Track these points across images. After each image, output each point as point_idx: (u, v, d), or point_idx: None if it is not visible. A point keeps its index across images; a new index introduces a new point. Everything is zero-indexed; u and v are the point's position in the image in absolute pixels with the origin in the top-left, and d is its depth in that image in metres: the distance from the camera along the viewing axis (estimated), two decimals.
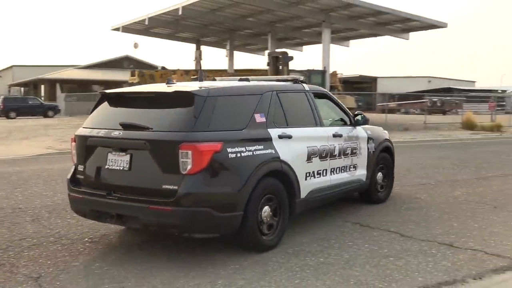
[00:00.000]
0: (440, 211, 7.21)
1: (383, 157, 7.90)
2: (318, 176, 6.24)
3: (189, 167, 4.68)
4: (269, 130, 5.51)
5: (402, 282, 4.45)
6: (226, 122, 5.14)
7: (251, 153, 5.14)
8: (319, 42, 29.01)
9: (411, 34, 31.44)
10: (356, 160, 7.09)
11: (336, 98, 7.38)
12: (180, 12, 26.48)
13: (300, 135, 5.96)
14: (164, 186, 4.76)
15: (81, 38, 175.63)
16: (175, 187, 4.69)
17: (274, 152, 5.42)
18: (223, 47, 37.81)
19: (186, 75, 31.25)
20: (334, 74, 33.05)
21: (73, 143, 5.66)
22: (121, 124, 5.10)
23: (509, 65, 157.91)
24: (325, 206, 7.01)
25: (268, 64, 24.23)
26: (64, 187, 6.54)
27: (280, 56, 23.61)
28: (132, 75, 34.38)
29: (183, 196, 4.67)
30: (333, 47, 32.10)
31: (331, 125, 6.94)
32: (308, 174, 6.01)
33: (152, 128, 4.94)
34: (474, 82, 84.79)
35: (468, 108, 43.37)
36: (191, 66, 37.15)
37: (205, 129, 4.85)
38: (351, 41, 36.16)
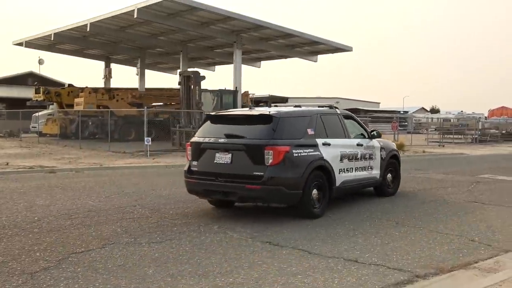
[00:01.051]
0: (345, 228, 7.43)
1: (391, 162, 10.78)
2: (347, 172, 9.04)
3: (270, 161, 7.55)
4: (316, 139, 8.39)
5: None
6: (291, 133, 8.08)
7: (306, 153, 8.02)
8: (231, 62, 29.24)
9: (319, 56, 32.55)
10: (372, 163, 9.95)
11: (358, 119, 10.27)
12: (88, 29, 25.66)
13: (335, 143, 8.81)
14: (254, 173, 7.61)
15: None
16: (262, 173, 7.54)
17: (320, 154, 8.27)
18: (134, 65, 37.07)
19: (94, 93, 30.33)
20: (245, 94, 33.40)
21: (189, 147, 8.60)
22: (225, 135, 8.05)
23: (411, 88, 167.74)
24: (233, 225, 7.01)
25: (180, 84, 24.01)
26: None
27: (192, 76, 23.47)
28: (37, 92, 32.82)
29: (267, 179, 7.50)
30: (245, 68, 32.53)
31: (355, 137, 9.72)
32: (340, 170, 8.79)
33: (246, 137, 7.96)
34: (378, 103, 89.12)
35: (373, 128, 45.39)
36: (100, 83, 36.09)
37: (280, 138, 7.80)
38: (262, 62, 36.81)
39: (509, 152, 28.84)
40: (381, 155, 10.26)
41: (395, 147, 11.27)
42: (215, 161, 8.02)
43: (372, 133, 10.27)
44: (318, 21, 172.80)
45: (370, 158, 9.87)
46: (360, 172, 9.53)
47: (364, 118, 49.13)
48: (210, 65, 39.05)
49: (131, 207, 8.89)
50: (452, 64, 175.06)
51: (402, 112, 70.57)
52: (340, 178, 8.72)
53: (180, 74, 24.97)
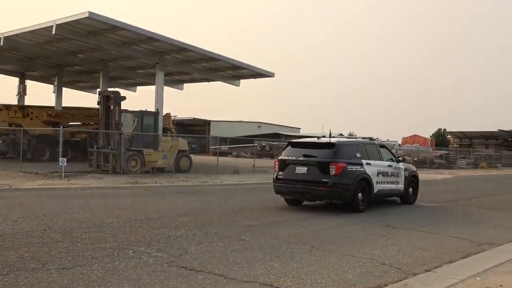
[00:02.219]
0: (263, 252, 7.45)
1: (412, 180, 15.19)
2: (381, 184, 13.30)
3: (333, 172, 11.76)
4: (362, 160, 12.68)
5: None
6: (346, 155, 12.29)
7: (355, 169, 12.30)
8: (153, 84, 28.87)
9: (243, 81, 32.91)
10: (398, 179, 14.31)
11: (389, 148, 14.79)
12: (1, 43, 24.49)
13: (374, 163, 13.06)
14: (322, 180, 11.83)
15: None
16: (327, 180, 11.76)
17: (364, 170, 12.56)
18: (51, 82, 35.66)
19: (6, 110, 28.86)
20: (167, 116, 33.11)
21: (277, 163, 13.02)
22: (303, 155, 12.50)
23: (329, 114, 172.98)
24: (149, 250, 6.84)
25: (99, 103, 23.35)
26: None
27: (112, 96, 22.89)
28: None
29: (331, 184, 11.73)
30: (167, 89, 32.27)
31: (387, 160, 14.03)
32: (377, 182, 13.02)
33: (317, 156, 12.23)
34: (299, 128, 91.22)
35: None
36: (14, 100, 34.40)
37: (339, 158, 12.01)
38: (185, 84, 36.67)
39: (420, 178, 30.27)
40: (404, 174, 14.66)
41: (415, 169, 16.01)
42: (295, 172, 12.50)
43: (398, 158, 15.07)
44: (244, 47, 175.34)
45: (397, 175, 14.26)
46: (389, 185, 13.92)
47: (285, 142, 50.12)
48: (132, 85, 38.41)
49: (40, 231, 8.45)
50: (369, 92, 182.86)
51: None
52: (376, 187, 13.03)
53: (99, 94, 24.30)
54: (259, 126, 75.91)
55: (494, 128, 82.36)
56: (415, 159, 46.28)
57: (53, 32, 21.54)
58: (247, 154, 49.80)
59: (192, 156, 28.08)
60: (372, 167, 12.89)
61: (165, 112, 29.28)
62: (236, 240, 8.30)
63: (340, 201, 12.40)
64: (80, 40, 23.65)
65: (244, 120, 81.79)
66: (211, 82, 34.32)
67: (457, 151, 60.22)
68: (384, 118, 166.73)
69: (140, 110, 24.35)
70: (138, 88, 39.22)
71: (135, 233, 8.64)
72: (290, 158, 12.74)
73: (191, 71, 30.22)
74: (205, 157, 40.42)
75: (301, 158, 12.49)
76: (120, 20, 21.83)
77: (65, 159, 19.34)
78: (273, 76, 30.86)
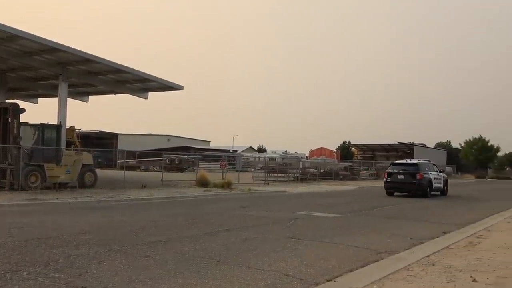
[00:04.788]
0: (168, 268, 7.31)
1: (445, 181, 29.85)
2: (435, 184, 27.83)
3: (418, 177, 26.39)
4: (428, 171, 27.62)
5: None
6: (422, 169, 27.06)
7: (427, 175, 27.21)
8: (56, 95, 27.69)
9: (151, 93, 32.41)
10: (440, 181, 28.78)
11: (436, 165, 31.47)
12: None
13: (431, 173, 27.89)
14: (413, 181, 26.43)
15: None
16: (415, 182, 26.42)
17: (429, 176, 27.35)
18: None
19: None
20: (71, 129, 31.87)
21: (386, 174, 28.04)
22: (401, 169, 27.56)
23: (240, 128, 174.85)
24: (46, 270, 6.49)
25: None
26: None
27: (10, 108, 21.68)
28: None
29: (418, 184, 26.47)
30: (71, 101, 31.10)
31: (436, 171, 28.78)
32: (433, 182, 27.69)
33: (408, 170, 27.11)
34: (209, 142, 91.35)
35: (203, 166, 46.24)
36: None
37: (420, 170, 26.86)
38: (91, 97, 35.52)
39: (325, 190, 31.39)
40: (442, 178, 29.16)
41: (446, 176, 31.12)
42: (398, 177, 26.89)
43: (441, 170, 30.49)
44: (156, 59, 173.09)
45: (439, 179, 28.53)
46: (437, 184, 28.07)
47: (194, 156, 49.85)
48: (33, 97, 36.63)
49: None
50: (279, 105, 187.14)
51: (231, 151, 72.99)
52: (433, 184, 27.39)
53: None
54: (168, 139, 75.17)
55: (394, 141, 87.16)
56: (321, 171, 47.73)
57: None
58: (156, 167, 48.95)
59: (98, 170, 27.17)
60: (431, 175, 27.43)
61: (69, 124, 28.15)
62: (140, 257, 8.09)
63: (420, 192, 26.36)
64: None
65: (153, 133, 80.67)
66: (119, 95, 33.53)
67: (361, 163, 62.96)
68: (294, 131, 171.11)
69: (41, 123, 23.24)
70: (41, 100, 37.46)
71: (32, 253, 8.16)
72: (395, 170, 27.58)
73: (97, 83, 29.38)
74: (112, 171, 39.27)
75: (401, 170, 27.29)
76: (22, 29, 20.80)
77: None
78: (182, 89, 30.74)
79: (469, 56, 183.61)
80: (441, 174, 29.31)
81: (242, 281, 6.69)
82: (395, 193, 27.37)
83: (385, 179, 27.51)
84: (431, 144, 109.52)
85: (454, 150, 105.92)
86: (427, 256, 8.51)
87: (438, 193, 28.56)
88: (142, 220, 12.97)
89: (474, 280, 6.61)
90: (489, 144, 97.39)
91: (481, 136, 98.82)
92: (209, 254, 8.52)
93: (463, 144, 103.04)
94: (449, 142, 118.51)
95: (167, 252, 8.54)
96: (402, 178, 26.59)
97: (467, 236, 11.12)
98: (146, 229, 11.31)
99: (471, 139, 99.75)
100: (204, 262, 7.81)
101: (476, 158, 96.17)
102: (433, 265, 7.74)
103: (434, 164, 29.32)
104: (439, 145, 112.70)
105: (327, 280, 6.76)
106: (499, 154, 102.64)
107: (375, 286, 6.34)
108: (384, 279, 6.75)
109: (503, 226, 13.21)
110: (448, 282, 6.52)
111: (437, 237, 11.23)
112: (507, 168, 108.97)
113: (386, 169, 29.34)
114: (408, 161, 29.38)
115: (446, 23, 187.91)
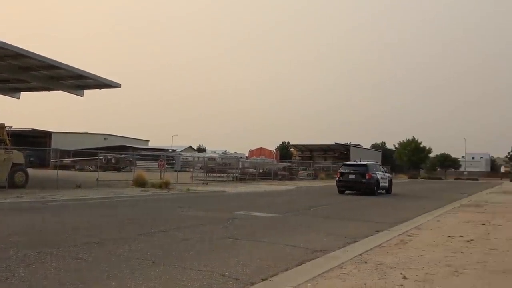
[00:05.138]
0: (100, 270, 7.12)
1: (390, 181, 32.86)
2: (381, 183, 30.35)
3: (367, 177, 28.73)
4: (376, 171, 30.41)
5: None
6: (371, 169, 29.61)
7: (375, 175, 29.83)
8: None
9: (87, 91, 31.48)
10: (385, 181, 31.40)
11: (382, 165, 38.46)
12: None
13: (379, 173, 30.92)
14: (363, 181, 28.74)
15: None
16: (365, 181, 28.70)
17: (377, 176, 30.11)
18: None
19: None
20: (1, 126, 30.49)
21: (339, 173, 30.63)
22: (352, 169, 30.01)
23: (179, 127, 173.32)
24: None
25: None
26: None
27: None
28: None
29: (367, 183, 28.69)
30: (1, 98, 29.78)
31: (382, 172, 31.83)
32: (380, 182, 30.14)
33: (358, 170, 29.52)
34: (148, 141, 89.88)
35: (141, 166, 45.47)
36: None
37: (369, 171, 29.33)
38: (23, 93, 34.08)
39: (264, 190, 31.60)
40: (388, 178, 32.22)
41: (391, 176, 35.44)
42: (349, 177, 29.22)
43: (386, 171, 33.79)
44: (95, 56, 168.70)
45: (385, 179, 31.22)
46: (383, 184, 30.57)
47: (132, 155, 48.90)
48: None
49: None
50: (219, 104, 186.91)
51: (170, 151, 72.21)
52: (380, 183, 29.86)
53: None
54: (105, 138, 73.45)
55: (331, 142, 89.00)
56: (261, 171, 48.06)
57: None
58: (91, 167, 47.68)
59: (30, 170, 26.14)
60: (378, 175, 29.73)
61: None
62: (72, 259, 7.84)
63: (369, 191, 28.13)
64: None
65: (90, 132, 78.61)
66: (53, 91, 32.35)
67: (299, 163, 63.86)
68: (234, 131, 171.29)
69: None
70: None
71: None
72: (346, 170, 29.76)
73: (28, 79, 28.18)
74: (45, 171, 37.89)
75: (352, 171, 29.42)
76: None
77: None
78: (120, 87, 29.98)
79: (403, 58, 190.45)
80: (387, 174, 32.33)
81: (178, 282, 6.62)
82: (346, 191, 29.83)
83: (337, 178, 30.09)
84: (367, 145, 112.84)
85: (389, 151, 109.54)
86: (360, 255, 8.73)
87: (384, 191, 30.81)
88: (75, 221, 12.59)
89: (404, 277, 6.83)
90: (421, 145, 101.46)
91: (414, 138, 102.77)
92: (144, 255, 8.36)
93: (397, 145, 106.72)
94: (384, 143, 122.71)
95: (101, 254, 8.32)
96: (353, 177, 28.99)
97: (399, 234, 11.49)
98: (79, 230, 10.98)
99: (405, 141, 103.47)
100: (139, 264, 7.66)
101: (409, 158, 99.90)
102: (366, 263, 7.95)
103: (380, 165, 33.35)
104: (375, 146, 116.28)
105: (263, 280, 6.79)
106: (431, 155, 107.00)
107: (309, 284, 6.43)
108: (318, 277, 6.86)
109: (432, 225, 13.74)
110: (379, 279, 6.70)
111: (371, 236, 11.55)
112: (438, 169, 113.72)
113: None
114: (358, 162, 31.48)
115: (382, 26, 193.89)
